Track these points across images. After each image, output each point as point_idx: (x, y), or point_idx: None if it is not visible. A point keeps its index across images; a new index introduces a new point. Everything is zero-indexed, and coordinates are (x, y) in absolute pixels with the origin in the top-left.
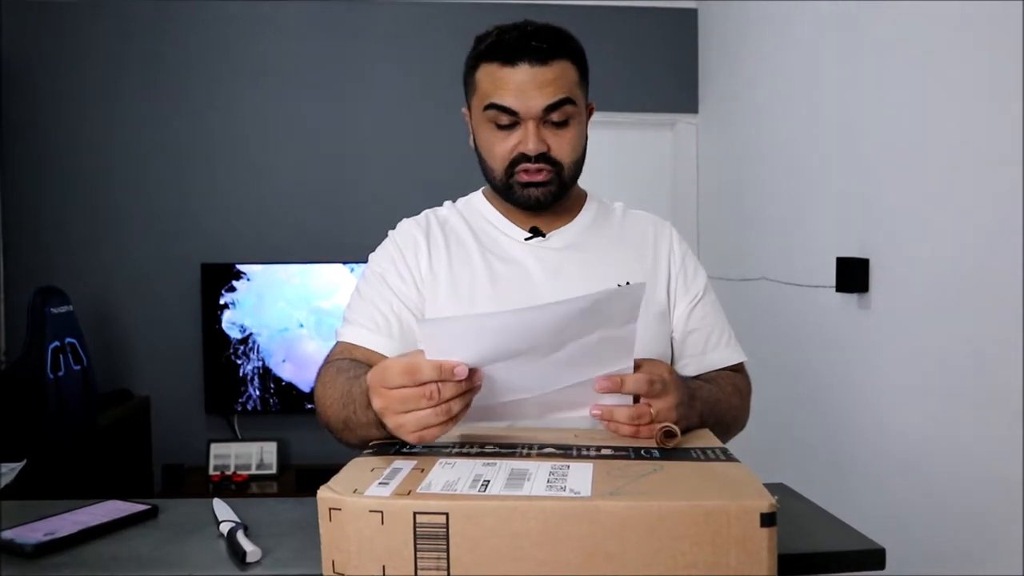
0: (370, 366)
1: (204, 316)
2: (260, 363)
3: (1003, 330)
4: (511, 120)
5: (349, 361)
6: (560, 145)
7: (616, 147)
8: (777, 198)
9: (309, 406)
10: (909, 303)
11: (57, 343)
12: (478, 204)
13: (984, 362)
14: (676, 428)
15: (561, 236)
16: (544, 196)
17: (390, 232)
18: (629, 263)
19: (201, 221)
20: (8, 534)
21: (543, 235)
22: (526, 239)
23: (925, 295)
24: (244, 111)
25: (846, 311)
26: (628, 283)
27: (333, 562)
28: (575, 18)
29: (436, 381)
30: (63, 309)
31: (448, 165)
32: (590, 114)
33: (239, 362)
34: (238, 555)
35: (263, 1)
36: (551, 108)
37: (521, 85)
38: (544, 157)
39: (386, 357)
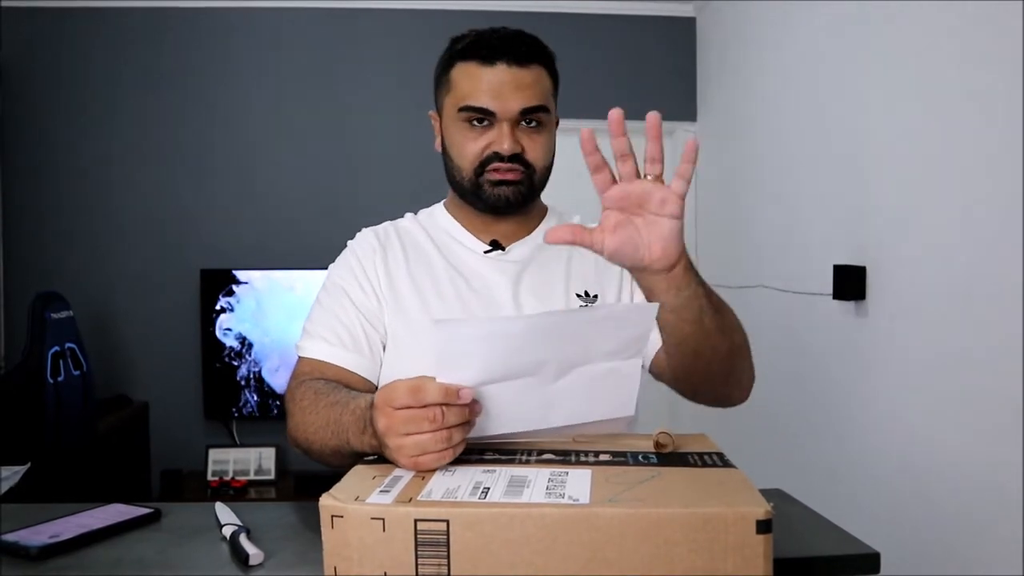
0: (347, 386)
1: (203, 322)
2: (258, 370)
3: (1000, 337)
4: (486, 120)
5: (324, 382)
6: (534, 148)
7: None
8: (775, 206)
9: None
10: (906, 310)
11: (57, 348)
12: (439, 217)
13: (981, 368)
14: (671, 436)
15: (520, 249)
16: (514, 196)
17: (349, 242)
18: (584, 276)
19: (201, 228)
20: (12, 537)
21: (502, 248)
22: (486, 252)
23: (922, 302)
24: (244, 118)
25: (843, 318)
26: (586, 292)
27: (335, 568)
28: (574, 26)
29: (440, 404)
30: (63, 314)
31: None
32: (556, 127)
33: (236, 363)
34: (241, 558)
35: (261, 9)
36: (528, 112)
37: (499, 85)
38: (517, 158)
39: (357, 374)
